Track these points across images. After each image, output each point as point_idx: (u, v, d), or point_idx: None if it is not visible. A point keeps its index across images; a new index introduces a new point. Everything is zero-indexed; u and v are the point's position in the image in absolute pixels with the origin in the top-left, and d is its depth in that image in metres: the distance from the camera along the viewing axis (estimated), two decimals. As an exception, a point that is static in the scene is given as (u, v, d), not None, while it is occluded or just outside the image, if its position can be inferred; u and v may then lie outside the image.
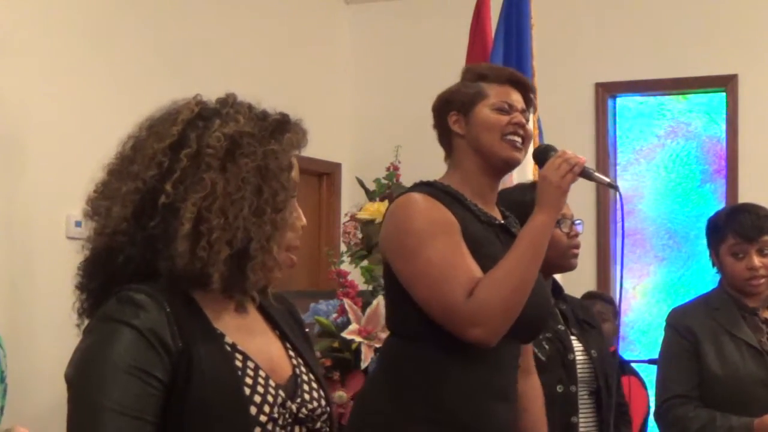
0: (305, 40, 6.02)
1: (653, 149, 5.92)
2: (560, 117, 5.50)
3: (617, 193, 2.69)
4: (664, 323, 3.53)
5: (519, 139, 2.65)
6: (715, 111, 5.80)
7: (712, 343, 3.37)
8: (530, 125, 2.78)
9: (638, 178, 5.94)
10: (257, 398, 1.66)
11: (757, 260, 3.37)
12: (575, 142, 5.74)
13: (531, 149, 2.77)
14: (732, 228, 3.40)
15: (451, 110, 2.70)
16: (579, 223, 3.24)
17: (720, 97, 5.75)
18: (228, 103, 1.76)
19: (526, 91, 2.75)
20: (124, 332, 1.60)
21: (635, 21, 5.84)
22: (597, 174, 2.64)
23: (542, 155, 2.64)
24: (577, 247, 3.19)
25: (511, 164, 2.68)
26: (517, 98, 2.70)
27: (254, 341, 1.74)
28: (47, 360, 4.00)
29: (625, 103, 5.97)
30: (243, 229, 1.66)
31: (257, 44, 5.58)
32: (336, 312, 4.23)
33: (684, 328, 3.44)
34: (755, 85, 5.63)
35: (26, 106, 4.16)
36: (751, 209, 3.45)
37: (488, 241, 2.61)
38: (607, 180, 2.68)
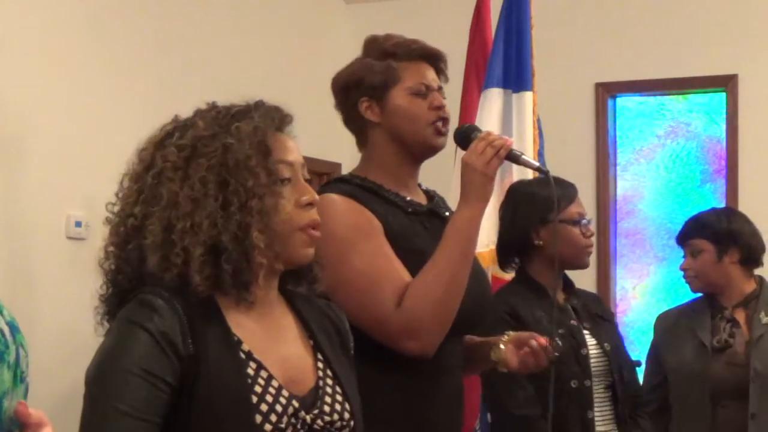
0: (305, 40, 6.01)
1: (653, 149, 5.91)
2: (560, 117, 5.50)
3: (548, 175, 2.48)
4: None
5: (441, 122, 2.50)
6: (715, 111, 5.80)
7: (673, 343, 3.61)
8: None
9: (638, 178, 5.93)
10: (264, 407, 1.67)
11: (685, 262, 3.65)
12: (575, 142, 5.77)
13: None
14: None
15: (361, 96, 2.54)
16: (590, 222, 3.29)
17: (720, 97, 5.75)
18: (198, 112, 1.81)
19: (438, 62, 2.56)
20: (139, 335, 1.65)
21: (635, 21, 5.83)
22: (525, 157, 2.45)
23: (464, 138, 2.47)
24: (592, 245, 3.21)
25: (436, 151, 2.53)
26: (432, 76, 2.53)
27: (276, 349, 1.76)
28: (47, 359, 4.00)
29: (625, 103, 5.97)
30: (210, 225, 1.69)
31: (257, 44, 5.57)
32: (336, 312, 4.23)
33: (655, 331, 3.76)
34: (755, 85, 5.62)
35: (26, 106, 4.15)
36: (697, 214, 3.76)
37: (414, 234, 2.45)
38: (536, 164, 2.49)
